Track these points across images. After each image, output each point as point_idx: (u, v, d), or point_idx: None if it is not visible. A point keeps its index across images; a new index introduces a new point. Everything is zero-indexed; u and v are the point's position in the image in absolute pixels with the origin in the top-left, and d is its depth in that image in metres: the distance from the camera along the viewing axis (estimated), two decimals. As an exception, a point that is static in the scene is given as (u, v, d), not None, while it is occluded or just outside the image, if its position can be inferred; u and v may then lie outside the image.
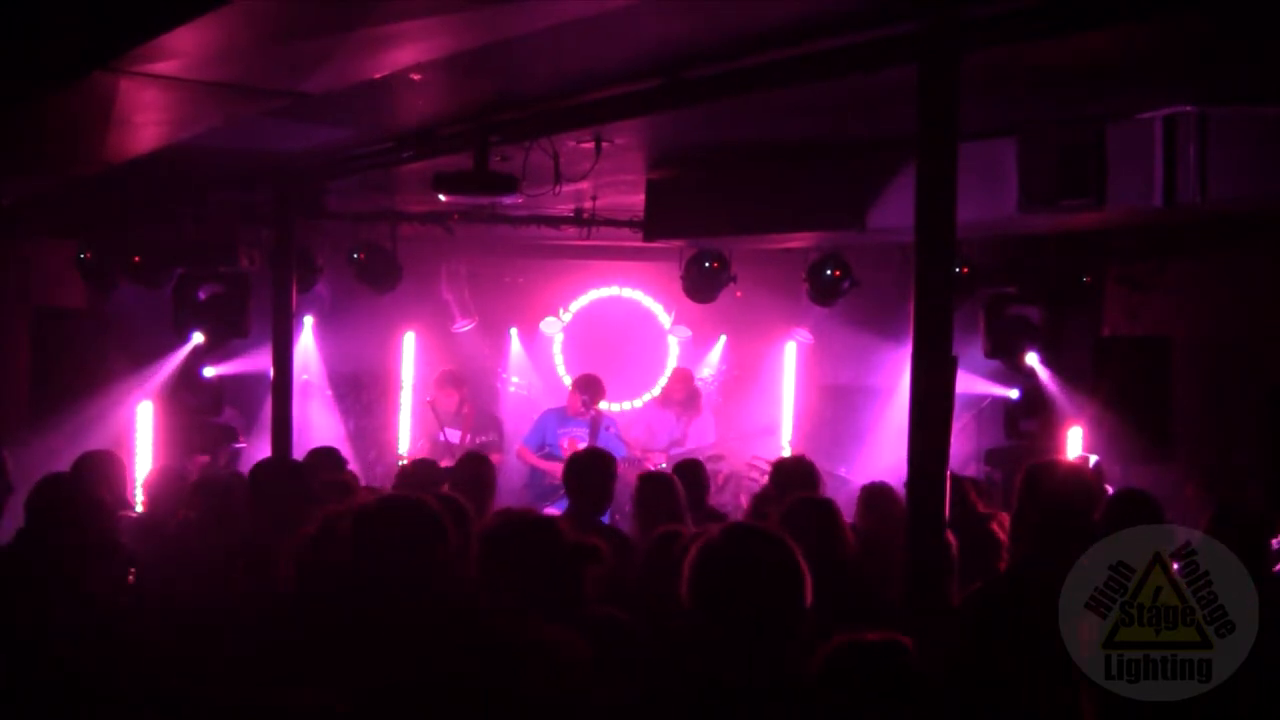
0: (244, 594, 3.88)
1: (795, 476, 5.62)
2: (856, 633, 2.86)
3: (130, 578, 4.33)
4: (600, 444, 9.01)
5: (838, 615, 2.90)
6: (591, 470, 5.60)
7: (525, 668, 2.79)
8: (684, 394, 10.33)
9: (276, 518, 4.56)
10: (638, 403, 10.90)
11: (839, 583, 2.90)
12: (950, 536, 4.44)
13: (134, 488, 5.92)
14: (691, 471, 6.33)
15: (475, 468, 6.11)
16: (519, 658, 2.79)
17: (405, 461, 10.41)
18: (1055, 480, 4.06)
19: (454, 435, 10.01)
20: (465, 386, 10.35)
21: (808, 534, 3.60)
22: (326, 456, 6.24)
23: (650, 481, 5.75)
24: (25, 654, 3.81)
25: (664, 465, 9.83)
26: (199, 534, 4.94)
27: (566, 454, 9.44)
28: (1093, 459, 7.67)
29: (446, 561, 3.24)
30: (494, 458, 9.45)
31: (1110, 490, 6.33)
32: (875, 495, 5.63)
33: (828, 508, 4.57)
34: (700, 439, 10.27)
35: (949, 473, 4.34)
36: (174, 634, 3.75)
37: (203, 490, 5.29)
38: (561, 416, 9.71)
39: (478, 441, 10.02)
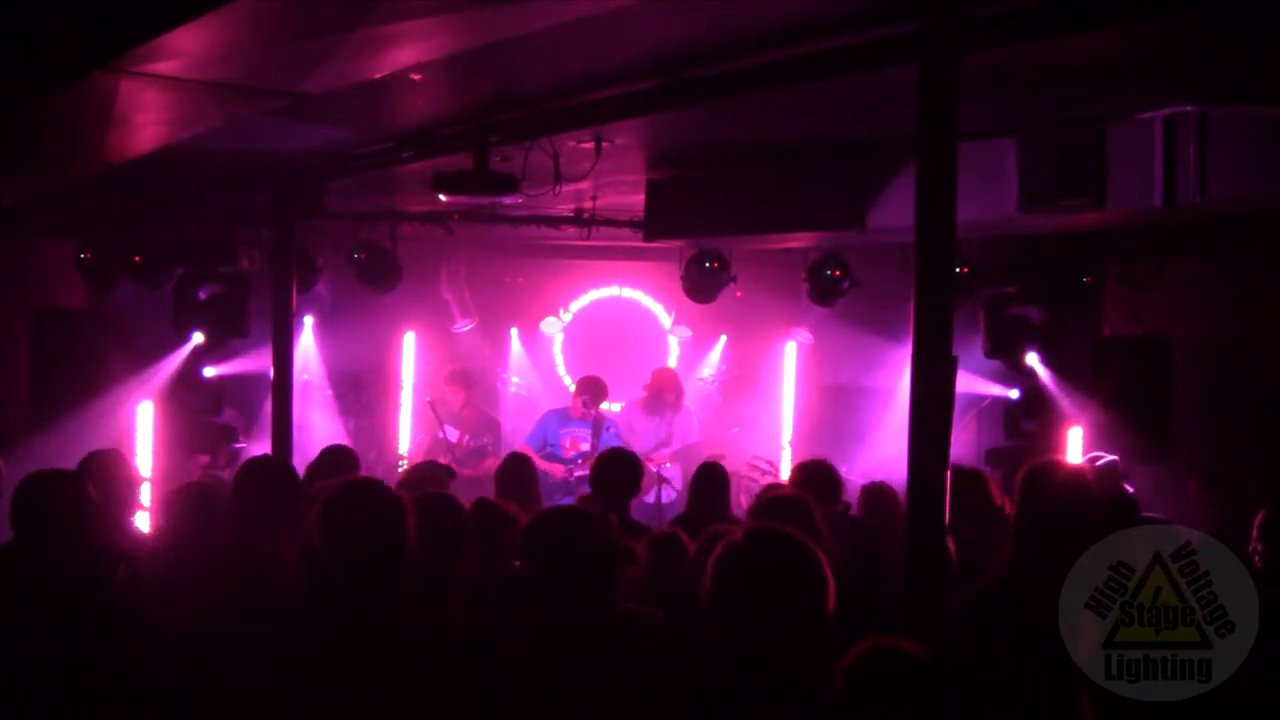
0: (239, 594, 3.87)
1: (815, 480, 5.61)
2: (885, 637, 2.87)
3: (121, 577, 4.29)
4: (601, 445, 9.02)
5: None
6: (616, 469, 5.77)
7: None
8: (674, 395, 10.29)
9: (269, 517, 4.55)
10: (618, 405, 10.87)
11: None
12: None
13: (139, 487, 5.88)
14: (714, 475, 6.32)
15: (519, 466, 6.28)
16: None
17: (405, 461, 10.44)
18: (1055, 481, 4.07)
19: (452, 434, 10.03)
20: (473, 389, 10.37)
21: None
22: (343, 457, 6.19)
23: None
24: (18, 653, 3.81)
25: (668, 465, 9.83)
26: (178, 539, 4.90)
27: (568, 454, 9.46)
28: (1107, 458, 7.65)
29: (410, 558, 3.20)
30: (489, 461, 9.49)
31: (1131, 489, 6.34)
32: (875, 495, 5.63)
33: (804, 505, 4.62)
34: (685, 438, 10.24)
35: (968, 468, 4.34)
36: (170, 635, 3.74)
37: (180, 497, 5.21)
38: (563, 417, 9.72)
39: (476, 444, 10.04)
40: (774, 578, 2.79)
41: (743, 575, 2.82)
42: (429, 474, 6.14)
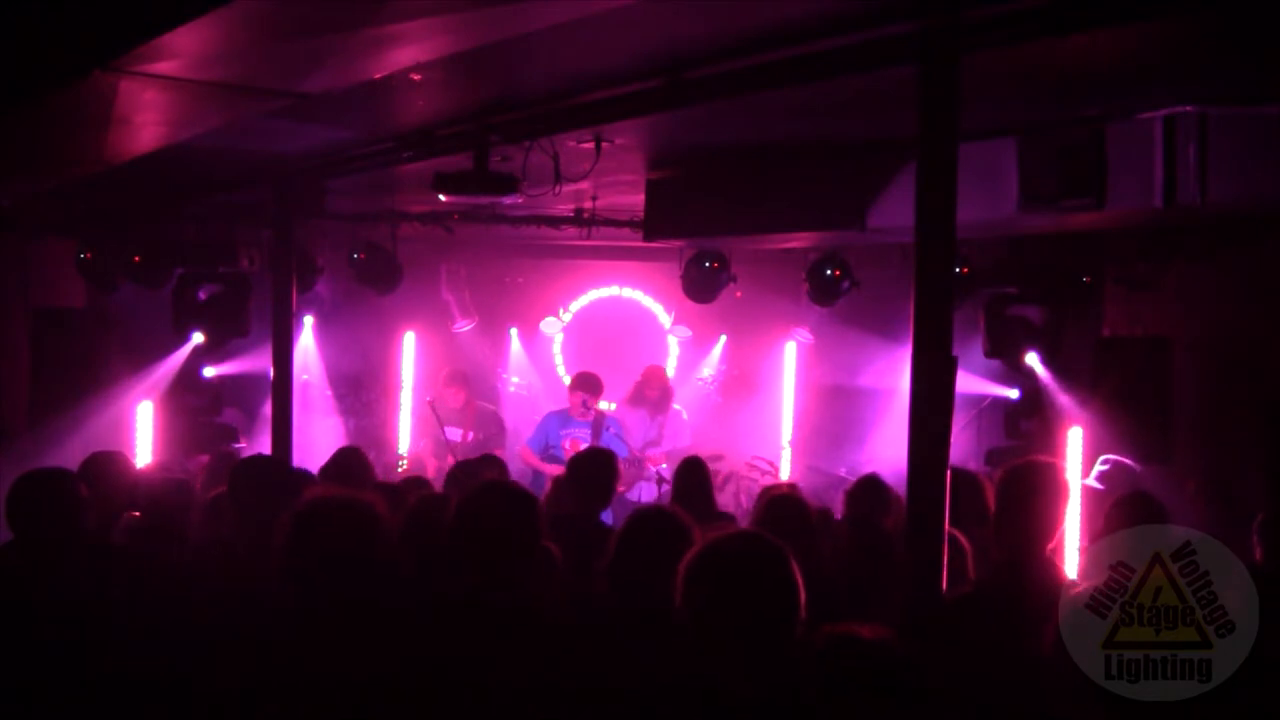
0: (235, 592, 3.87)
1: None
2: (847, 626, 2.87)
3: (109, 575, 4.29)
4: (602, 445, 9.01)
5: (814, 615, 2.90)
6: (594, 469, 5.73)
7: None
8: (657, 393, 10.26)
9: (265, 514, 4.55)
10: (611, 405, 10.87)
11: (812, 582, 2.91)
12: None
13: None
14: (695, 471, 6.32)
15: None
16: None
17: (404, 462, 10.46)
18: (1030, 480, 4.09)
19: (455, 434, 10.03)
20: (471, 386, 10.39)
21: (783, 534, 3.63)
22: (355, 462, 6.17)
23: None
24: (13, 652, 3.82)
25: (664, 466, 9.82)
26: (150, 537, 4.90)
27: (568, 455, 9.45)
28: (1118, 460, 7.65)
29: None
30: (497, 453, 9.49)
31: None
32: (865, 487, 5.65)
33: (799, 505, 4.62)
34: (675, 439, 10.22)
35: (963, 469, 4.35)
36: (167, 632, 3.74)
37: (150, 492, 5.20)
38: (564, 418, 9.70)
39: (479, 440, 10.04)
40: (745, 583, 2.79)
41: (714, 580, 2.82)
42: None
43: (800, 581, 2.81)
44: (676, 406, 10.48)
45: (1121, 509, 5.01)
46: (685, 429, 10.44)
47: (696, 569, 2.84)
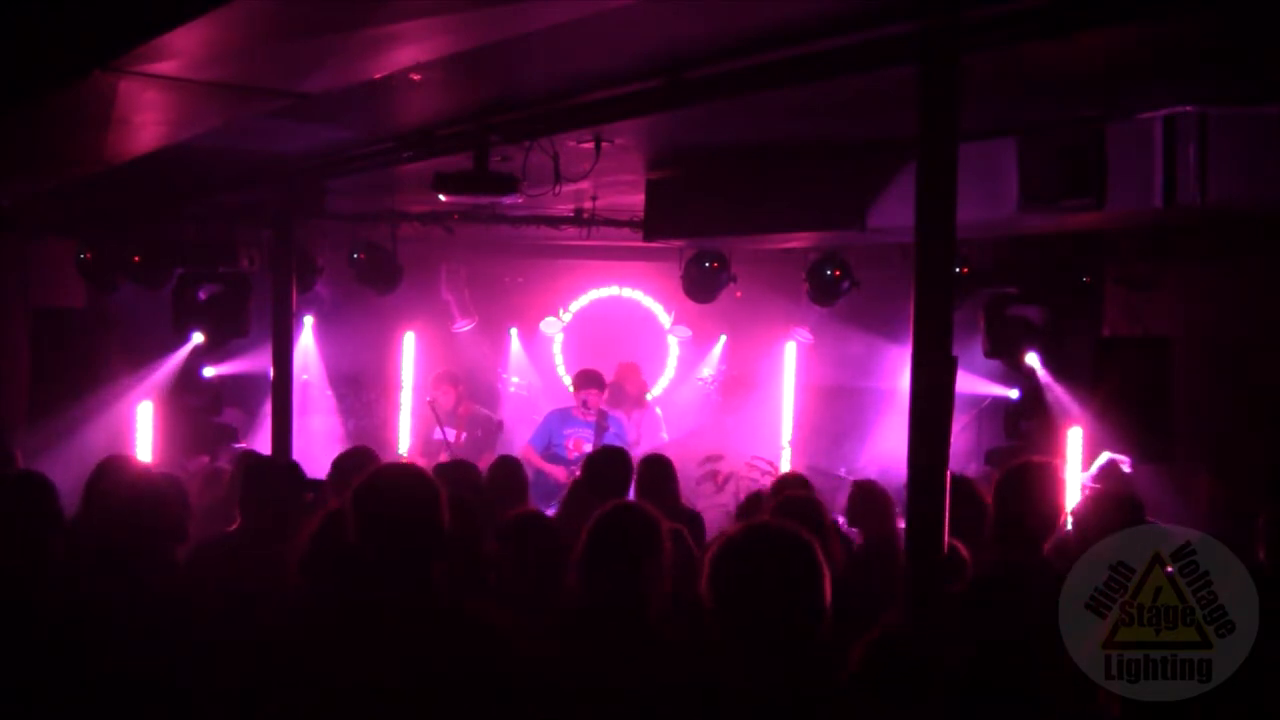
0: (242, 591, 3.88)
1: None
2: (890, 626, 2.87)
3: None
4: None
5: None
6: (609, 468, 5.80)
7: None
8: (636, 388, 10.23)
9: (271, 514, 4.57)
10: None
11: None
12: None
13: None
14: (657, 466, 6.31)
15: (507, 472, 6.28)
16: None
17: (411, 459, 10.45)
18: (1029, 481, 4.10)
19: (450, 434, 10.04)
20: (461, 385, 10.39)
21: None
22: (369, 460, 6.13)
23: None
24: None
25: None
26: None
27: (572, 455, 9.43)
28: (1111, 458, 7.64)
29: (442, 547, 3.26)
30: (486, 456, 9.50)
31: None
32: (866, 493, 5.66)
33: (815, 507, 4.61)
34: (653, 438, 10.20)
35: (954, 473, 4.35)
36: (173, 633, 3.75)
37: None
38: (566, 417, 9.68)
39: (472, 439, 10.05)
40: (772, 574, 2.77)
41: (741, 572, 2.80)
42: (461, 475, 6.12)
43: (826, 571, 2.79)
44: (656, 410, 10.48)
45: (1101, 505, 5.02)
46: (660, 426, 10.43)
47: (721, 560, 2.82)
